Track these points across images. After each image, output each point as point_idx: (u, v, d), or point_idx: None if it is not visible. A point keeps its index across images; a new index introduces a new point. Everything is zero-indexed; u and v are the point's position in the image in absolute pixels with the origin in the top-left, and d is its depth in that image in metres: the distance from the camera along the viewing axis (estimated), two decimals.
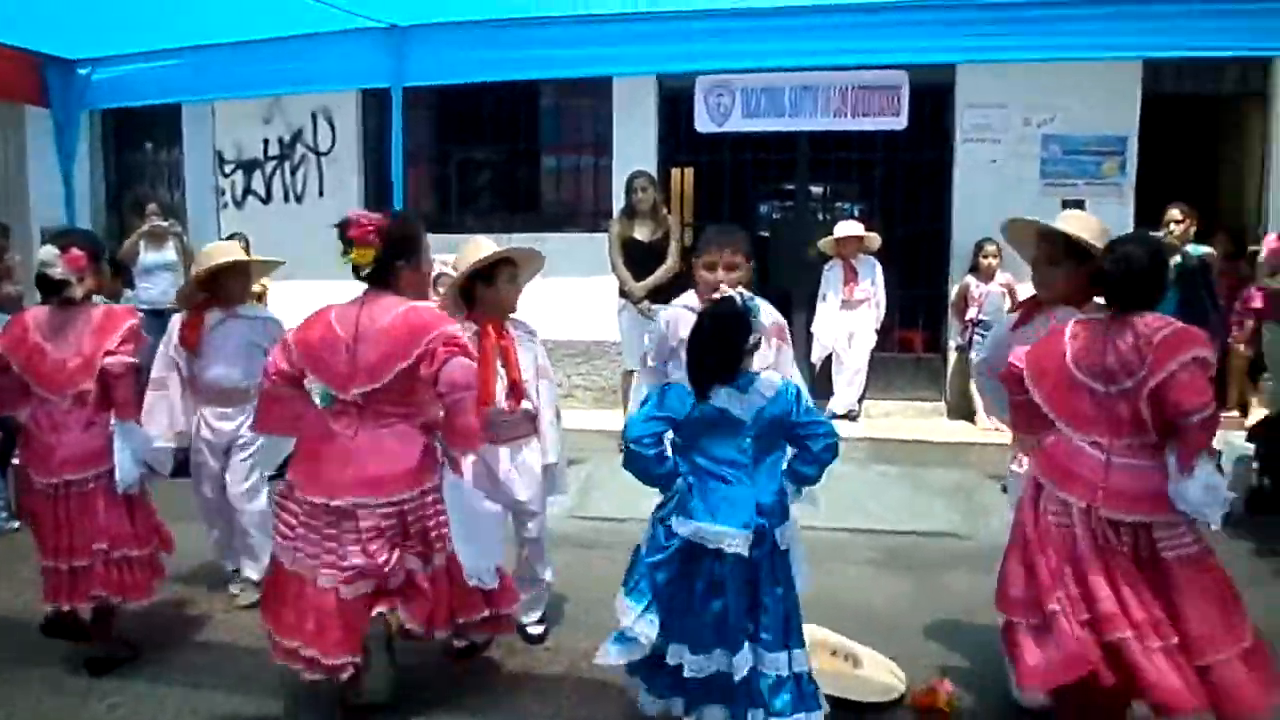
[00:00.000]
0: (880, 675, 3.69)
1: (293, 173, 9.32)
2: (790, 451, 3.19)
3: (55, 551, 3.75)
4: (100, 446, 3.75)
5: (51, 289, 3.76)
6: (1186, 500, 2.86)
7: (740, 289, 3.22)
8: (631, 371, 7.28)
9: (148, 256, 7.70)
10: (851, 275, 7.79)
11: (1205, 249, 6.69)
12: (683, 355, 3.63)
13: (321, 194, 9.14)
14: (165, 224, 8.02)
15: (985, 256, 7.69)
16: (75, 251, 3.74)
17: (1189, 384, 2.84)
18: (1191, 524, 2.94)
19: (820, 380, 8.23)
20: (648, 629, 3.08)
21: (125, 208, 9.28)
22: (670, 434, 3.14)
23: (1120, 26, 4.58)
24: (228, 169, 9.51)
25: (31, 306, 4.05)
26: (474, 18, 5.14)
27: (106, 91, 5.98)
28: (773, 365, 3.55)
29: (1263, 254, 6.67)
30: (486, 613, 3.45)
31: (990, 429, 7.60)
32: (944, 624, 4.27)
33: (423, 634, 3.39)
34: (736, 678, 3.01)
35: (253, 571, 4.57)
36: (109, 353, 3.71)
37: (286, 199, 9.29)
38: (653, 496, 3.29)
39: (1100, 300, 3.26)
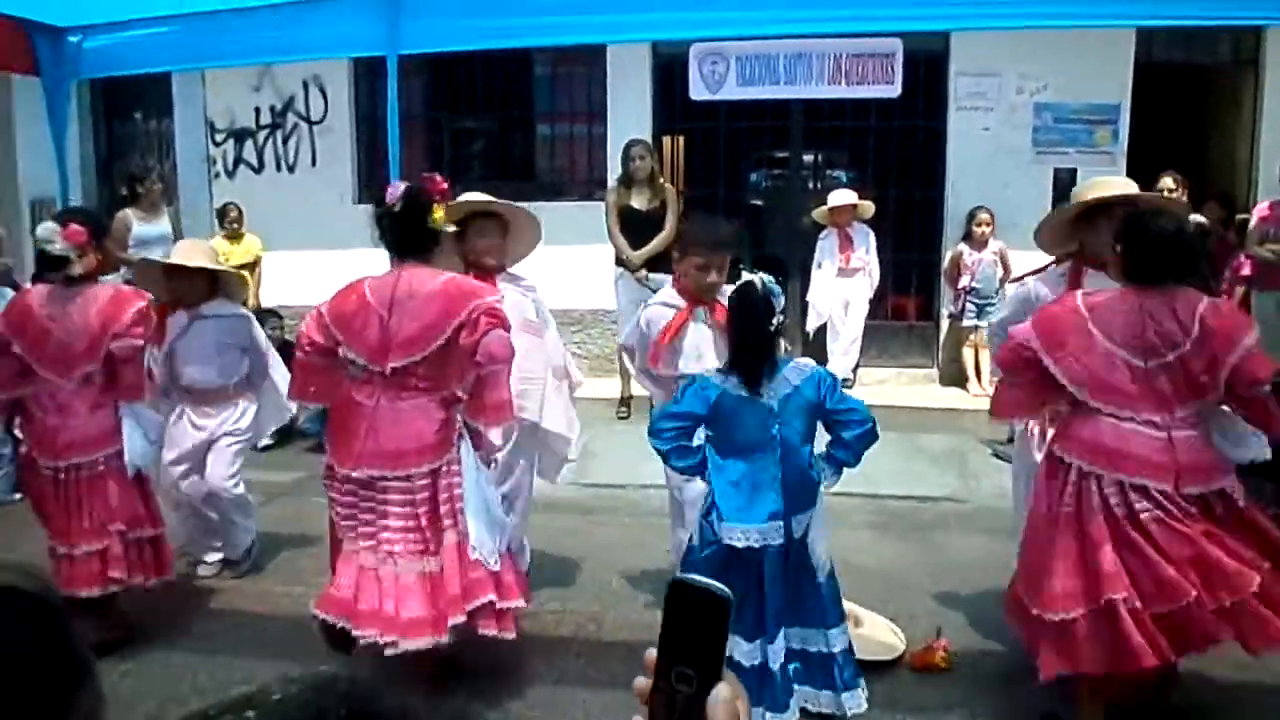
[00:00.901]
0: (881, 634, 3.76)
1: (284, 142, 9.26)
2: (827, 437, 3.23)
3: (64, 535, 3.73)
4: (108, 428, 3.73)
5: (51, 265, 3.73)
6: (1248, 452, 3.02)
7: (760, 275, 3.21)
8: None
9: (141, 228, 7.63)
10: (847, 244, 7.80)
11: (1199, 218, 6.73)
12: (672, 356, 3.65)
13: (314, 163, 9.09)
14: (157, 187, 7.85)
15: (978, 225, 7.72)
16: (75, 227, 3.69)
17: (1259, 358, 2.93)
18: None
19: (814, 349, 8.27)
20: None
21: (116, 180, 9.19)
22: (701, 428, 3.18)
23: None
24: (219, 138, 9.45)
25: (30, 285, 4.03)
26: None
27: (97, 60, 5.91)
28: None
29: (1253, 222, 6.74)
30: (493, 598, 3.36)
31: (981, 394, 7.68)
32: (941, 584, 4.35)
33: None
34: (774, 665, 3.08)
35: (231, 551, 4.60)
36: (116, 335, 3.67)
37: (279, 168, 9.23)
38: (652, 461, 3.35)
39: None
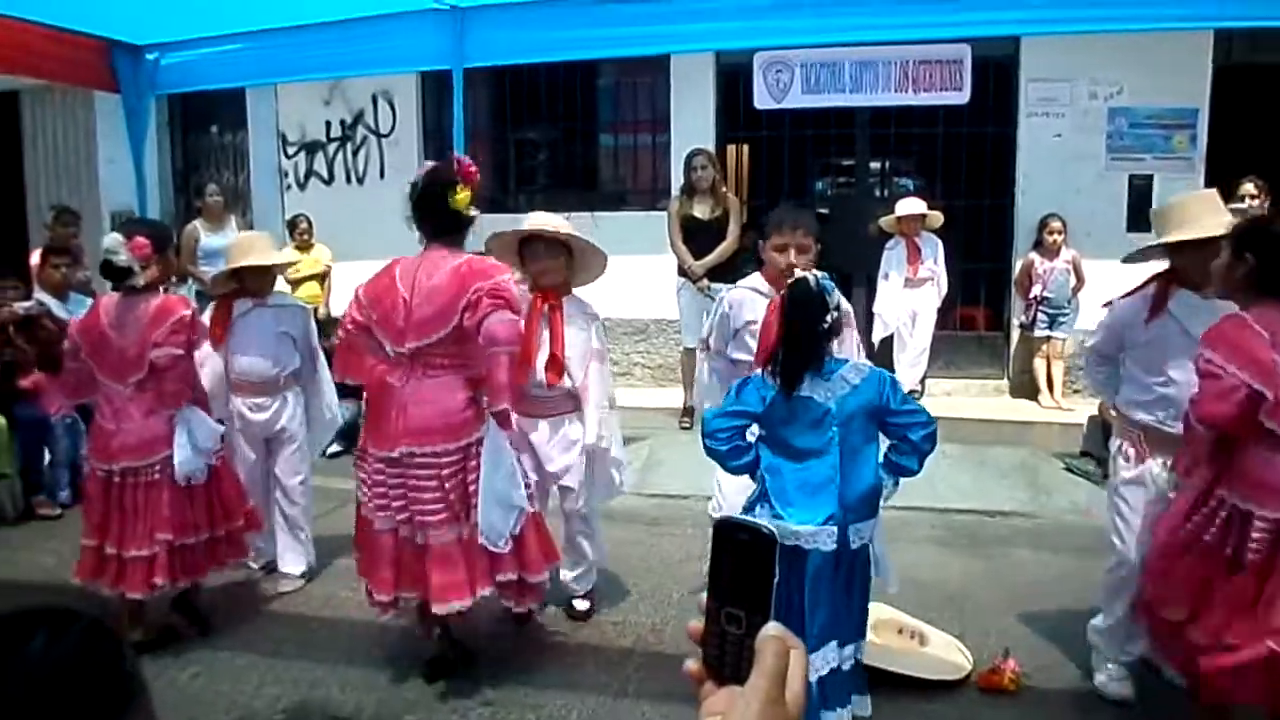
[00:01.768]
0: (947, 654, 3.68)
1: (354, 154, 9.43)
2: (886, 442, 3.10)
3: (101, 533, 3.82)
4: (161, 434, 3.79)
5: (115, 276, 3.80)
6: None
7: (813, 271, 3.14)
8: (691, 350, 7.30)
9: (207, 240, 7.82)
10: (915, 253, 7.69)
11: None
12: (747, 339, 3.63)
13: (382, 175, 9.23)
14: (219, 199, 8.06)
15: (1050, 233, 7.55)
16: (139, 239, 3.77)
17: None
18: None
19: (881, 360, 8.17)
20: None
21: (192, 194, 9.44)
22: (754, 426, 3.09)
23: None
24: (291, 150, 9.65)
25: (103, 294, 4.14)
26: None
27: (174, 76, 6.09)
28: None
29: None
30: (515, 575, 3.50)
31: (1053, 406, 7.52)
32: (1009, 603, 4.25)
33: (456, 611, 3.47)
34: (813, 677, 2.93)
35: (294, 565, 4.64)
36: (156, 344, 3.74)
37: (348, 180, 9.40)
38: (714, 472, 3.32)
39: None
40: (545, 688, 3.61)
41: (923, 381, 8.00)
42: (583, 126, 9.21)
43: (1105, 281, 6.84)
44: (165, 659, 3.82)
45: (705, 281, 6.82)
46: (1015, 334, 8.14)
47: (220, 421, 4.42)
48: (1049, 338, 7.64)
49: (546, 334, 3.94)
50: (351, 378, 3.97)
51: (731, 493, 3.55)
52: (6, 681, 0.81)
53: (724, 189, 7.15)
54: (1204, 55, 7.57)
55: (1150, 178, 7.73)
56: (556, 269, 4.02)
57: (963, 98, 7.70)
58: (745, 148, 9.11)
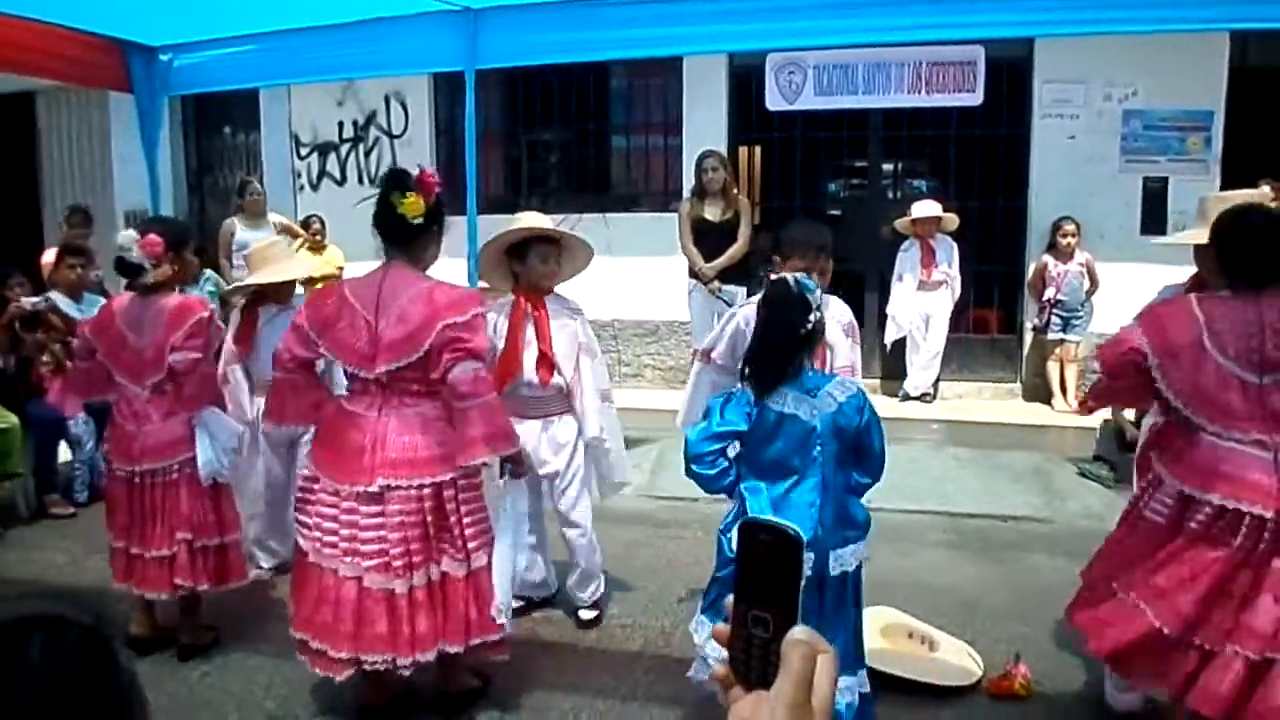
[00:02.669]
0: (957, 659, 3.66)
1: (366, 155, 9.46)
2: None
3: (126, 534, 3.83)
4: (181, 435, 3.78)
5: (127, 273, 3.78)
6: None
7: (797, 275, 2.99)
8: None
9: (243, 235, 7.84)
10: (929, 256, 7.67)
11: None
12: None
13: None
14: (259, 196, 8.10)
15: (1064, 235, 7.52)
16: (152, 237, 3.75)
17: None
18: None
19: (894, 362, 8.16)
20: (715, 650, 2.91)
21: (232, 192, 9.43)
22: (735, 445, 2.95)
23: None
24: (303, 151, 9.68)
25: (116, 294, 4.14)
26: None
27: (188, 77, 6.11)
28: (847, 367, 3.50)
29: None
30: (499, 636, 3.31)
31: (1067, 410, 7.48)
32: (1020, 608, 4.22)
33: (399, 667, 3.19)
34: None
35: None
36: (174, 348, 3.72)
37: (361, 181, 9.42)
38: None
39: None
40: (553, 690, 3.61)
41: (935, 385, 7.98)
42: (595, 128, 9.22)
43: (1119, 284, 6.83)
44: (174, 659, 3.83)
45: (716, 283, 6.80)
46: (1029, 337, 8.11)
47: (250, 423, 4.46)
48: (1062, 341, 7.61)
49: (533, 334, 3.93)
50: (290, 422, 3.58)
51: None
52: (2, 690, 0.80)
53: (735, 191, 7.13)
54: (1220, 57, 7.53)
55: (1165, 180, 7.68)
56: (555, 272, 4.00)
57: (976, 99, 7.67)
58: (757, 149, 9.10)
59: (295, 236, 8.23)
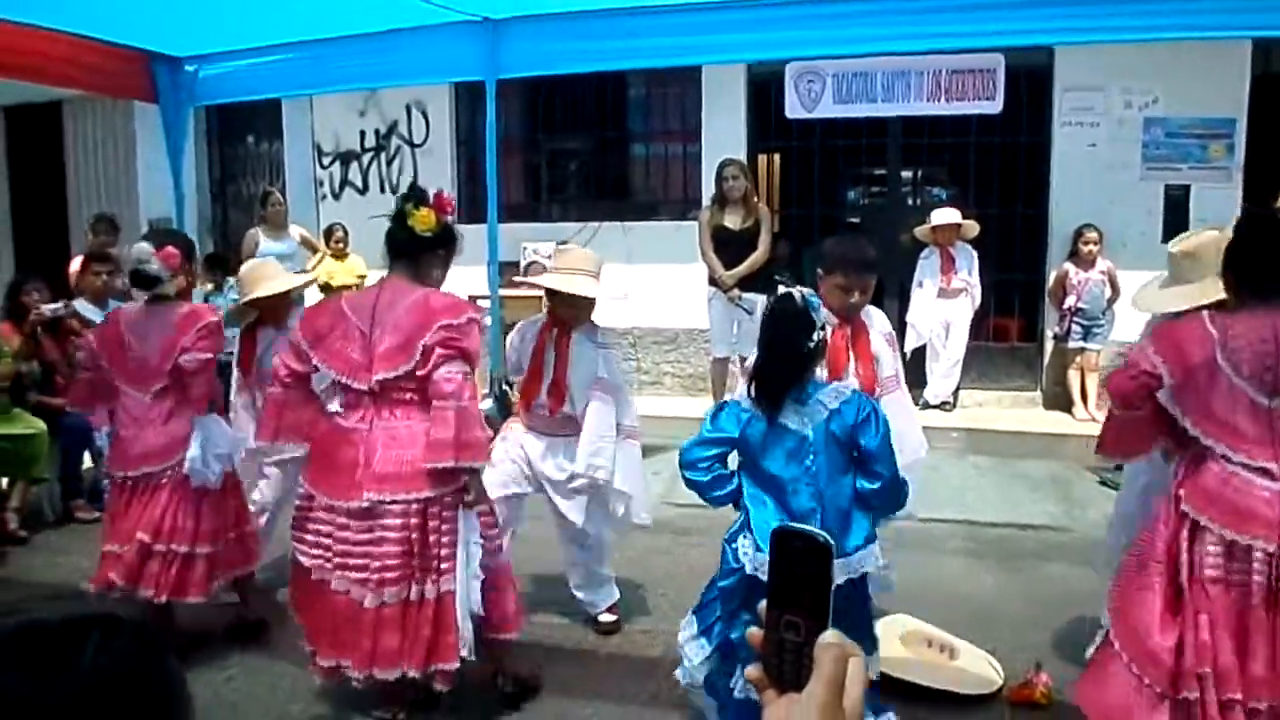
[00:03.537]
0: (977, 667, 3.66)
1: (388, 164, 9.52)
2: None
3: (116, 537, 3.85)
4: (181, 438, 3.81)
5: (145, 284, 3.82)
6: None
7: (801, 288, 2.91)
8: (721, 359, 7.30)
9: (266, 245, 7.91)
10: (949, 263, 7.66)
11: None
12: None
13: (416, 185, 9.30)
14: (281, 207, 8.12)
15: (1085, 243, 7.49)
16: (170, 249, 3.81)
17: None
18: None
19: (913, 370, 8.13)
20: (695, 652, 2.95)
21: (255, 201, 9.51)
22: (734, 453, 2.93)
23: (1228, 4, 4.41)
24: (326, 161, 9.76)
25: (125, 304, 4.19)
26: (566, 9, 5.18)
27: (213, 87, 6.18)
28: (893, 377, 3.49)
29: None
30: (456, 665, 3.25)
31: (1087, 419, 7.44)
32: (1041, 616, 4.21)
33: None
34: None
35: None
36: (184, 349, 3.76)
37: (382, 190, 9.49)
38: None
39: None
40: (574, 697, 3.62)
41: (955, 393, 7.96)
42: (614, 136, 9.26)
43: None
44: (201, 664, 3.86)
45: (736, 291, 6.82)
46: (1049, 345, 8.08)
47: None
48: (1083, 349, 7.57)
49: (552, 360, 3.90)
50: (286, 439, 3.51)
51: None
52: (59, 688, 0.83)
53: (756, 199, 7.15)
54: (1242, 64, 7.49)
55: (1187, 188, 7.65)
56: (574, 316, 3.96)
57: (996, 107, 7.66)
58: (776, 157, 9.11)
59: (315, 250, 8.29)
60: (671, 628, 4.13)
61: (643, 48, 5.36)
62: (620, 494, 3.96)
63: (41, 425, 5.46)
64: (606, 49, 5.39)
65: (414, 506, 3.15)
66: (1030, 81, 7.87)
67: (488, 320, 3.55)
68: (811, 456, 2.78)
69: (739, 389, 3.07)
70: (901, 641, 3.75)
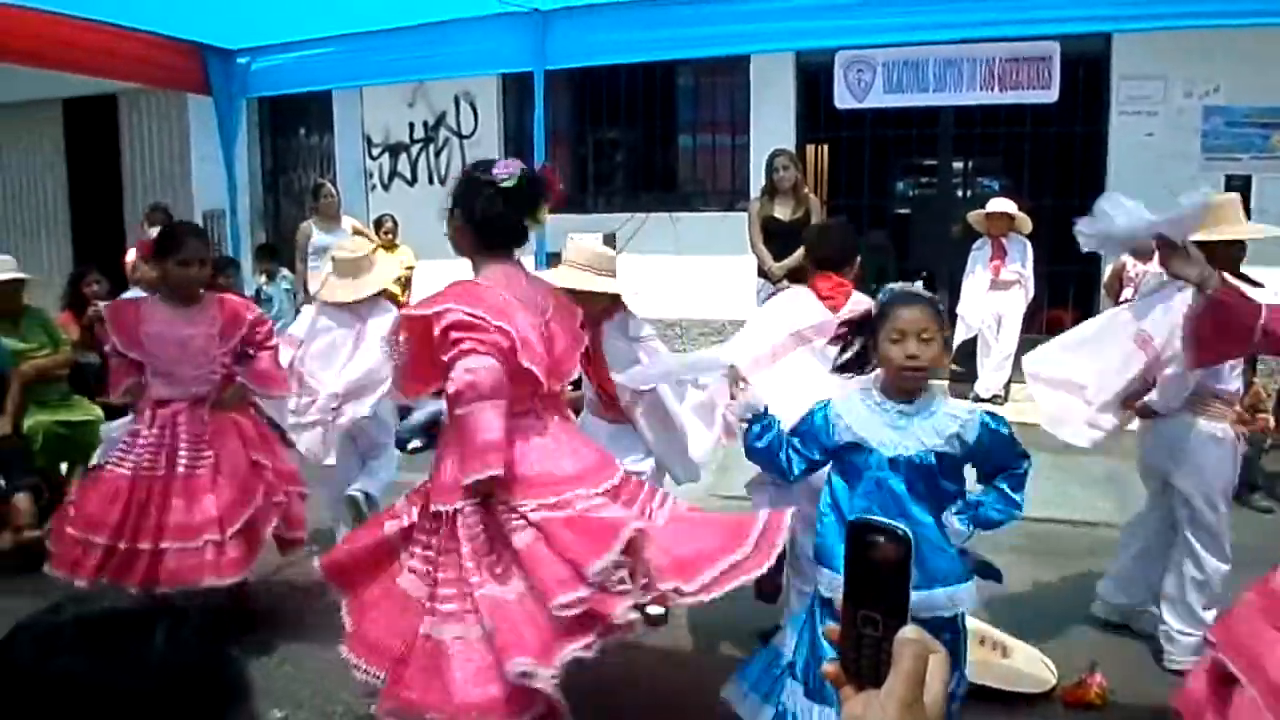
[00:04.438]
0: (1030, 667, 3.60)
1: (436, 155, 9.59)
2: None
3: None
4: None
5: None
6: None
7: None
8: None
9: (320, 238, 7.99)
10: (999, 254, 7.54)
11: None
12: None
13: None
14: (333, 199, 8.18)
15: None
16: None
17: None
18: None
19: (964, 361, 8.02)
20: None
21: (306, 192, 9.59)
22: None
23: None
24: (375, 152, 9.84)
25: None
26: (614, 0, 5.18)
27: (264, 79, 6.27)
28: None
29: None
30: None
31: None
32: (1095, 615, 4.13)
33: None
34: None
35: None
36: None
37: (431, 181, 9.56)
38: None
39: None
40: (624, 687, 3.61)
41: (1007, 387, 7.83)
42: (662, 127, 9.23)
43: None
44: (255, 648, 3.91)
45: (785, 283, 6.75)
46: None
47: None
48: None
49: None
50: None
51: None
52: (129, 675, 0.86)
53: (806, 190, 7.09)
54: None
55: (1248, 178, 7.47)
56: (590, 308, 3.64)
57: (1051, 96, 7.53)
58: (825, 148, 9.04)
59: (369, 240, 8.35)
60: (709, 620, 4.12)
61: (690, 37, 5.35)
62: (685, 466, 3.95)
63: (99, 412, 5.56)
64: (654, 39, 5.38)
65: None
66: (1086, 70, 7.72)
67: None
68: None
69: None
70: None
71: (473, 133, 9.42)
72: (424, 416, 6.60)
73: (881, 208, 8.71)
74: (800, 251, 6.74)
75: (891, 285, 2.78)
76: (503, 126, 9.38)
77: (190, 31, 5.77)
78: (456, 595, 2.75)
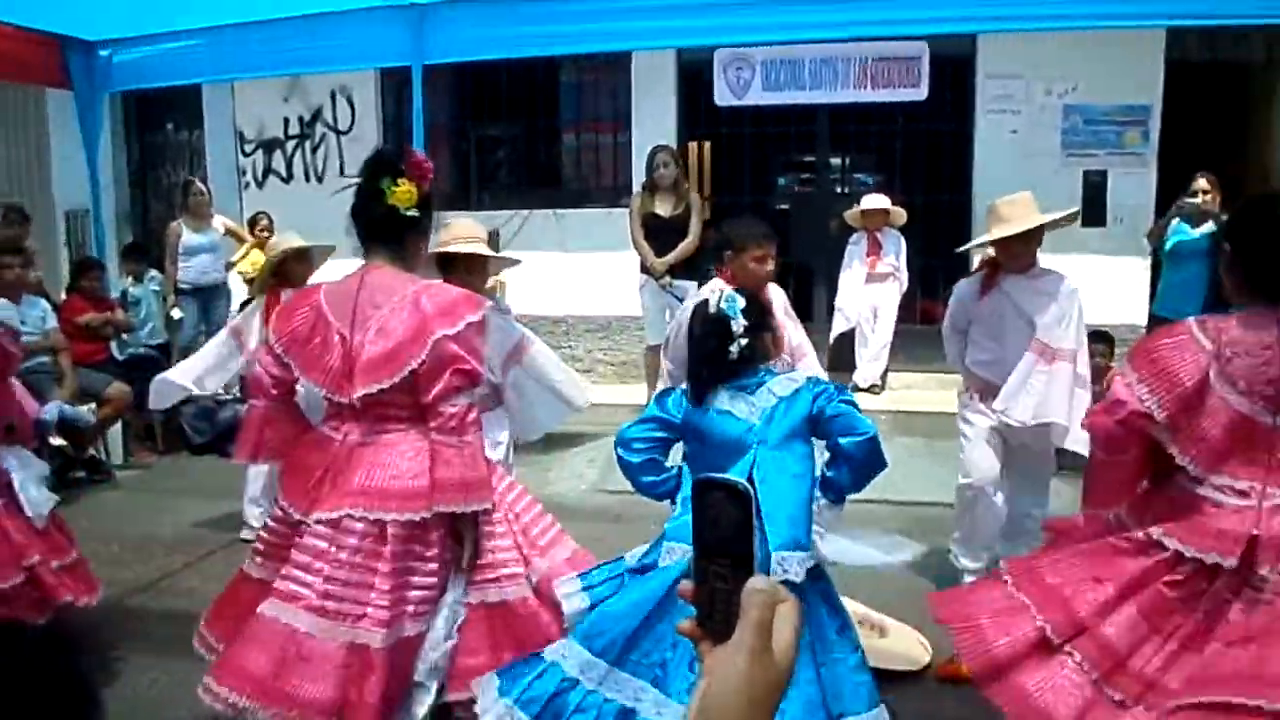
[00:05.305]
0: (906, 645, 3.73)
1: (313, 151, 9.35)
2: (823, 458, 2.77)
3: None
4: None
5: None
6: None
7: (722, 287, 2.95)
8: (655, 346, 7.31)
9: (190, 238, 7.74)
10: (874, 247, 7.76)
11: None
12: None
13: (342, 172, 9.14)
14: (203, 197, 7.94)
15: None
16: None
17: None
18: None
19: (842, 354, 8.23)
20: (576, 603, 2.63)
21: (176, 189, 9.26)
22: (681, 445, 2.84)
23: None
24: (248, 148, 9.55)
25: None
26: None
27: (128, 73, 6.02)
28: (799, 345, 3.53)
29: None
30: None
31: None
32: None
33: None
34: None
35: None
36: None
37: (308, 178, 9.33)
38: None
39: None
40: None
41: (884, 376, 8.06)
42: (544, 123, 9.21)
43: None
44: (122, 666, 3.78)
45: (667, 278, 6.83)
46: None
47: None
48: None
49: None
50: (262, 460, 3.11)
51: None
52: None
53: (686, 186, 7.17)
54: (1157, 52, 7.70)
55: (1105, 173, 7.85)
56: (480, 287, 3.71)
57: (920, 95, 7.78)
58: (707, 145, 9.14)
59: (241, 241, 8.13)
60: None
61: (571, 33, 5.36)
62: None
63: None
64: (534, 35, 5.37)
65: (391, 532, 2.64)
66: (954, 70, 8.00)
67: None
68: (757, 444, 2.66)
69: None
70: None
71: (350, 128, 9.22)
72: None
73: (763, 203, 8.85)
74: (682, 246, 6.84)
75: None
76: (381, 122, 9.20)
77: (47, 22, 5.50)
78: None
